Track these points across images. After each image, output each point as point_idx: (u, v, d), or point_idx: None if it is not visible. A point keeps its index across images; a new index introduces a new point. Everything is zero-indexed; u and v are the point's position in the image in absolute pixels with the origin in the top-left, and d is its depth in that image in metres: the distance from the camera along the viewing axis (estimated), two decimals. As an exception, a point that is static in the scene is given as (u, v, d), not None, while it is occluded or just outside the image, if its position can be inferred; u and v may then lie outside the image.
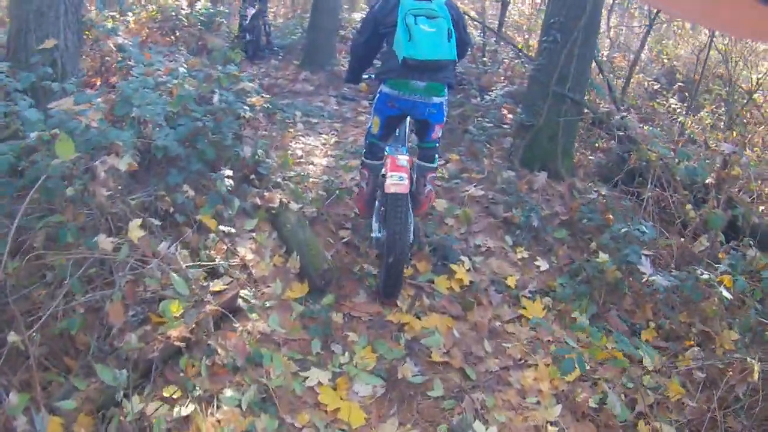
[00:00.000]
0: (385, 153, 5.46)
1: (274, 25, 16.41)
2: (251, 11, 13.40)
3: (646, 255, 6.09)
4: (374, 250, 5.84)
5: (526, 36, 15.14)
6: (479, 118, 9.44)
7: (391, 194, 4.96)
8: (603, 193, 7.43)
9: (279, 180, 6.62)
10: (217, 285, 4.92)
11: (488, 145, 8.49)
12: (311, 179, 7.00)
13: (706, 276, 5.60)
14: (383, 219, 5.34)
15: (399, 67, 4.83)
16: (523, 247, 6.51)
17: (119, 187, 4.85)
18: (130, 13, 11.91)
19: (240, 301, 4.89)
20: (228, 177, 5.55)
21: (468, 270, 5.95)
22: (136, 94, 5.10)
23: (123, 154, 4.32)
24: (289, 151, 7.81)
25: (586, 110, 8.32)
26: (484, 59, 12.21)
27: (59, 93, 5.17)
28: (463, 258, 6.05)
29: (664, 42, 17.21)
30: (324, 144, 8.56)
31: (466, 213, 6.67)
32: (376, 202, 5.68)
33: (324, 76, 11.97)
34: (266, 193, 6.16)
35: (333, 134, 9.12)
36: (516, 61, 11.50)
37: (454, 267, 5.88)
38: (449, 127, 9.20)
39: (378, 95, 5.23)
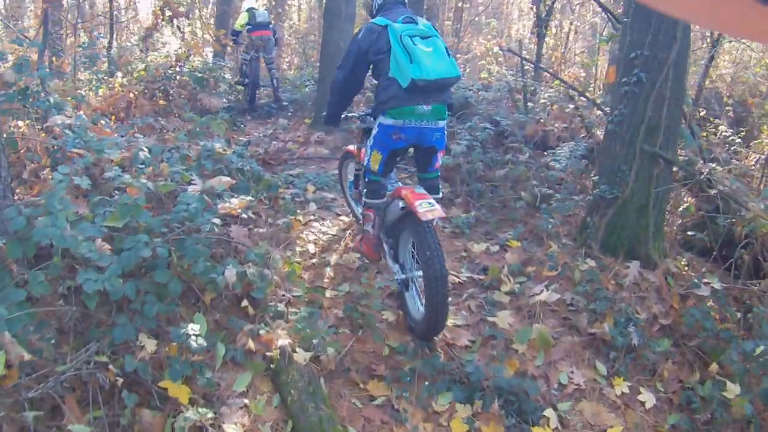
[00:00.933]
0: (388, 190, 5.24)
1: (285, 78, 14.72)
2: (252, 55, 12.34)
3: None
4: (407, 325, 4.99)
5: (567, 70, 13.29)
6: (534, 183, 7.60)
7: (426, 222, 4.49)
8: (714, 285, 5.53)
9: (281, 306, 4.82)
10: None
11: (551, 219, 6.61)
12: (328, 293, 5.22)
13: None
14: (395, 257, 5.17)
15: (402, 92, 4.60)
16: (621, 377, 4.68)
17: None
18: (119, 74, 10.27)
19: None
20: (195, 335, 3.73)
21: (555, 429, 4.12)
22: (49, 220, 3.31)
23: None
24: (299, 248, 6.04)
25: (675, 169, 6.43)
26: (529, 104, 10.35)
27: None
28: (547, 412, 4.22)
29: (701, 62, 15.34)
30: (345, 230, 6.74)
31: (543, 335, 4.82)
32: (384, 245, 5.36)
33: (340, 136, 10.16)
34: (263, 331, 4.35)
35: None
36: (570, 106, 9.54)
37: (537, 431, 4.04)
38: (501, 199, 7.44)
39: (377, 129, 4.90)
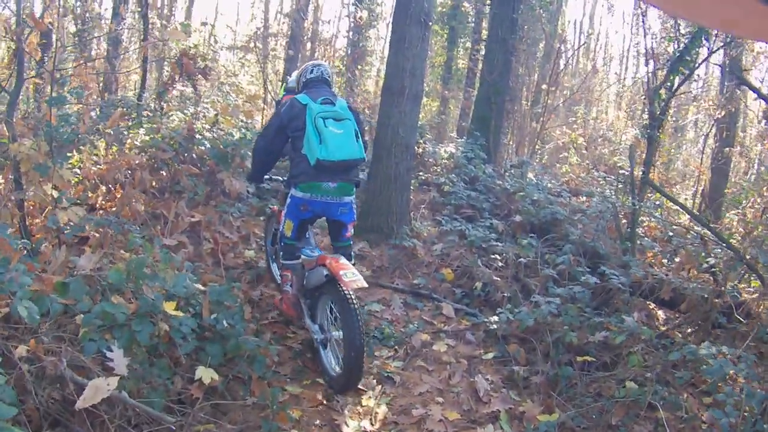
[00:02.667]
0: (304, 256, 5.52)
1: None
2: None
3: None
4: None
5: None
6: (648, 373, 5.14)
7: (352, 291, 4.86)
8: None
9: None
10: None
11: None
12: None
13: None
14: (313, 317, 5.47)
15: (311, 169, 5.09)
16: None
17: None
18: (141, 131, 8.23)
19: None
20: None
21: None
22: None
23: None
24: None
25: None
26: (645, 238, 7.89)
27: None
28: None
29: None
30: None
31: None
32: (302, 305, 5.65)
33: (388, 254, 7.80)
34: None
35: (387, 391, 5.18)
36: (709, 260, 6.76)
37: None
38: (597, 388, 5.17)
39: (290, 200, 5.41)
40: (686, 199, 14.57)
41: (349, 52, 19.41)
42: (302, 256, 5.54)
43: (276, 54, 20.68)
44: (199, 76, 8.23)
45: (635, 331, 5.70)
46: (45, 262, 5.41)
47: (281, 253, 5.76)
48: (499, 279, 6.99)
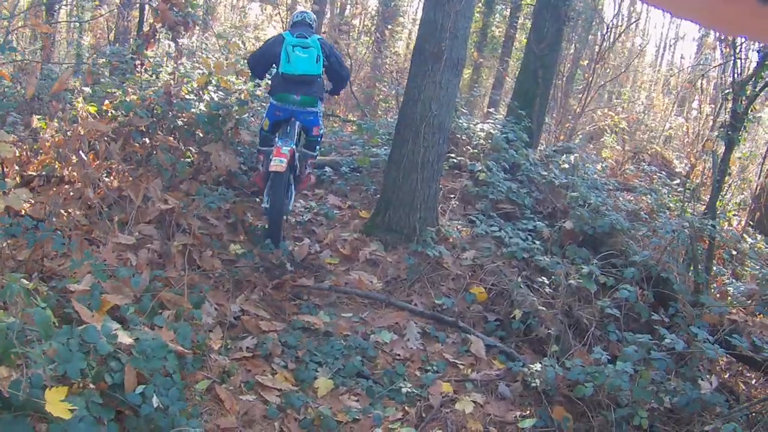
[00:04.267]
0: (275, 144, 6.57)
1: (351, 121, 10.30)
2: None
3: None
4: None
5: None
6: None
7: (272, 172, 6.16)
8: None
9: None
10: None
11: None
12: None
13: None
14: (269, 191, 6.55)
15: (281, 82, 6.56)
16: None
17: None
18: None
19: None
20: None
21: None
22: None
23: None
24: None
25: None
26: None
27: None
28: None
29: None
30: None
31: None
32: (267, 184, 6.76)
33: (406, 263, 6.17)
34: None
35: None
36: None
37: None
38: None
39: (269, 105, 6.86)
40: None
41: (380, 10, 17.97)
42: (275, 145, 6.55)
43: (303, 8, 19.37)
44: (179, 28, 6.86)
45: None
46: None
47: (259, 140, 7.09)
48: (544, 309, 5.45)
